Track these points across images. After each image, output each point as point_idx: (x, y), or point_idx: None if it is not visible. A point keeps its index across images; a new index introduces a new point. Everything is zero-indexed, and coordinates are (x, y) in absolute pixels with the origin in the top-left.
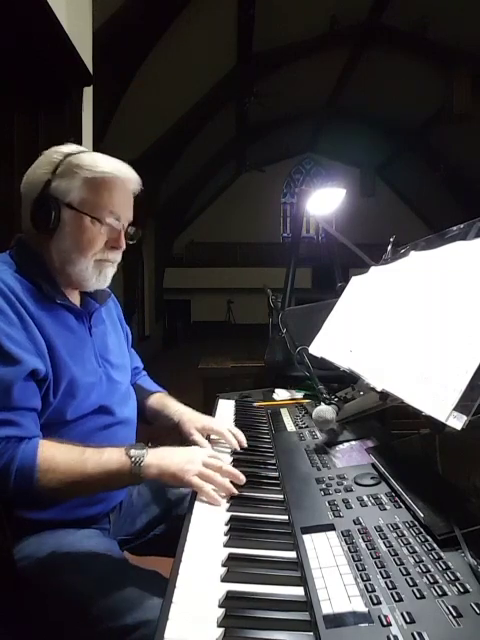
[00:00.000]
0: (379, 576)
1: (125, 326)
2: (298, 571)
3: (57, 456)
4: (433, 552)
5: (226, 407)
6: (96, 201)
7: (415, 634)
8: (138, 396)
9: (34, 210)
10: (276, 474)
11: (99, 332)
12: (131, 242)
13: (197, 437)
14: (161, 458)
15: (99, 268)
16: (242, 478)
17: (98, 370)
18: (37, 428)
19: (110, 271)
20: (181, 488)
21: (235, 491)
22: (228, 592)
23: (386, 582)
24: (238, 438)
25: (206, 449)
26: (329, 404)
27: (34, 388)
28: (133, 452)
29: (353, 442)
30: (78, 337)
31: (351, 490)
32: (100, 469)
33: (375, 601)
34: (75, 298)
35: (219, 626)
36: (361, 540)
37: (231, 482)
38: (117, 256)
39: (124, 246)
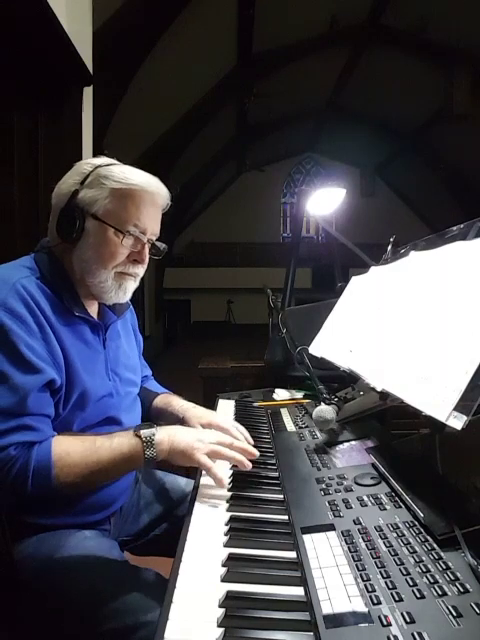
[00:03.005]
0: (379, 576)
1: (139, 335)
2: (298, 571)
3: (71, 450)
4: (433, 552)
5: (226, 407)
6: (121, 213)
7: (415, 634)
8: (144, 399)
9: (60, 219)
10: (276, 474)
11: (113, 345)
12: (156, 257)
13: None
14: (172, 435)
15: (119, 281)
16: (255, 453)
17: (108, 383)
18: (51, 430)
19: (131, 285)
20: (181, 488)
21: (248, 464)
22: (228, 592)
23: (386, 582)
24: (244, 435)
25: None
26: (329, 404)
27: (48, 398)
28: (142, 432)
29: (353, 442)
30: (92, 350)
31: (351, 490)
32: (113, 454)
33: (375, 601)
34: (93, 310)
35: (219, 626)
36: (361, 540)
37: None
38: (139, 270)
39: (147, 260)
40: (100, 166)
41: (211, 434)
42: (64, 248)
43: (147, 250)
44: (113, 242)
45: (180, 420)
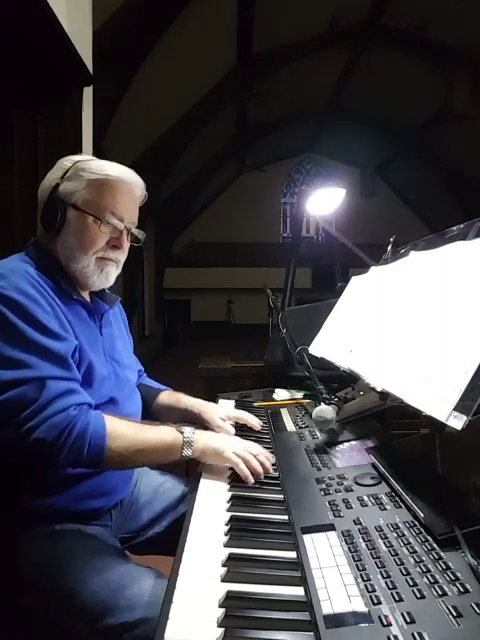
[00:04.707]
0: (379, 576)
1: (129, 334)
2: (298, 571)
3: (121, 426)
4: (433, 552)
5: (226, 407)
6: (99, 202)
7: (415, 634)
8: (145, 395)
9: (44, 211)
10: (276, 474)
11: (108, 333)
12: (136, 244)
13: (226, 425)
14: (206, 437)
15: (101, 266)
16: (269, 468)
17: (107, 365)
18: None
19: (112, 270)
20: (180, 488)
21: (261, 477)
22: (228, 592)
23: (386, 582)
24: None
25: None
26: (329, 404)
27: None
28: (184, 428)
29: (353, 442)
30: (92, 332)
31: (351, 490)
32: (158, 439)
33: (375, 601)
34: (86, 299)
35: (219, 626)
36: (361, 540)
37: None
38: (119, 256)
39: (126, 246)
40: (79, 161)
41: (239, 441)
42: (50, 239)
43: (125, 236)
44: (92, 229)
45: (194, 415)
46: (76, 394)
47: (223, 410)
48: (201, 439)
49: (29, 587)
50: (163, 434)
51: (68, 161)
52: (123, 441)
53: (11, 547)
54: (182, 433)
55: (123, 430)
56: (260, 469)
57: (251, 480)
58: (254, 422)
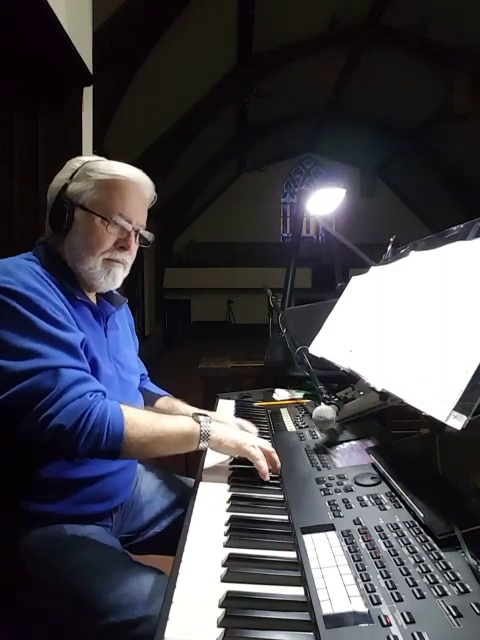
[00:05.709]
0: (379, 576)
1: (135, 336)
2: (298, 571)
3: (136, 413)
4: (433, 552)
5: (226, 407)
6: (106, 202)
7: (415, 634)
8: (147, 400)
9: (51, 212)
10: (276, 474)
11: (113, 335)
12: (144, 246)
13: None
14: (223, 428)
15: (108, 268)
16: (279, 467)
17: (111, 368)
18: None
19: (119, 272)
20: (180, 487)
21: (267, 478)
22: (228, 592)
23: (386, 582)
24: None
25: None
26: (329, 404)
27: None
28: (201, 418)
29: (353, 442)
30: (97, 333)
31: (351, 490)
32: (176, 428)
33: (375, 601)
34: (92, 300)
35: (219, 626)
36: (361, 540)
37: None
38: (126, 257)
39: (133, 248)
40: (88, 162)
41: (255, 437)
42: (57, 239)
43: (133, 237)
44: (100, 230)
45: None
46: (90, 382)
47: (221, 416)
48: (218, 429)
49: (30, 586)
50: (180, 423)
51: (77, 162)
52: (141, 428)
53: (12, 546)
54: (199, 422)
55: (141, 418)
56: (279, 465)
57: (268, 477)
58: (253, 430)
